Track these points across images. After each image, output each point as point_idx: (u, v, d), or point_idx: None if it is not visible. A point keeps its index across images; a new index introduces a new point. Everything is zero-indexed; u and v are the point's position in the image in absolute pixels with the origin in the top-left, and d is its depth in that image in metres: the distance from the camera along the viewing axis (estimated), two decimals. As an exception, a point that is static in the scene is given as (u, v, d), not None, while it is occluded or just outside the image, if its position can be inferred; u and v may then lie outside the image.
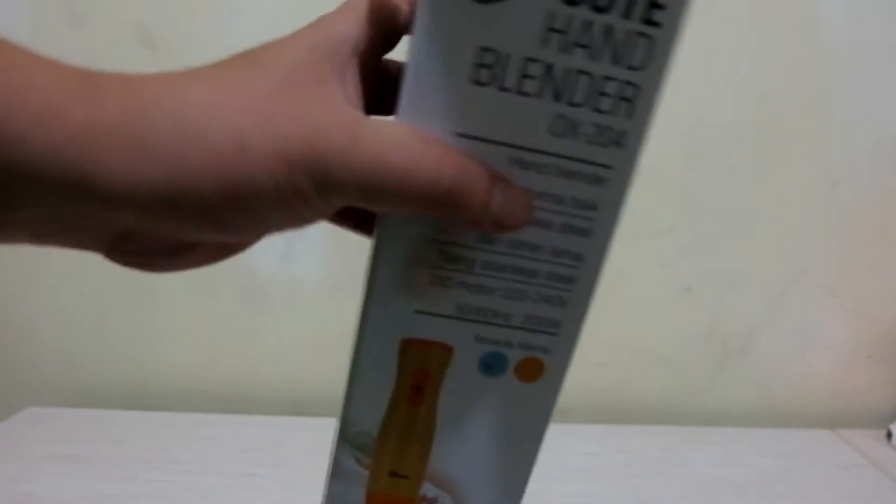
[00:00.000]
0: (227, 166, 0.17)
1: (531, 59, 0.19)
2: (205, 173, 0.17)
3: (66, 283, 0.64)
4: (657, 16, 0.19)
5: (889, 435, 0.64)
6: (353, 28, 0.20)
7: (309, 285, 0.64)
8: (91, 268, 0.63)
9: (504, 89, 0.19)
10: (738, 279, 0.65)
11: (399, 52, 0.22)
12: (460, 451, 0.24)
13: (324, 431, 0.66)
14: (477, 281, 0.21)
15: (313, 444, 0.58)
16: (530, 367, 0.24)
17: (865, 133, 0.62)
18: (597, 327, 0.73)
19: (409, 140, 0.19)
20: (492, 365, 0.23)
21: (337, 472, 0.25)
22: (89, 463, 0.52)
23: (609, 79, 0.20)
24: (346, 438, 0.24)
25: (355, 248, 0.72)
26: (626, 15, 0.19)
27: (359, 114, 0.19)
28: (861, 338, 0.67)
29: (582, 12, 0.18)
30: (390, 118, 0.20)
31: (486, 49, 0.18)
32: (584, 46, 0.19)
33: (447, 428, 0.24)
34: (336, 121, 0.18)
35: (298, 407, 0.66)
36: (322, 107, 0.18)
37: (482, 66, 0.18)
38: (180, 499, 0.49)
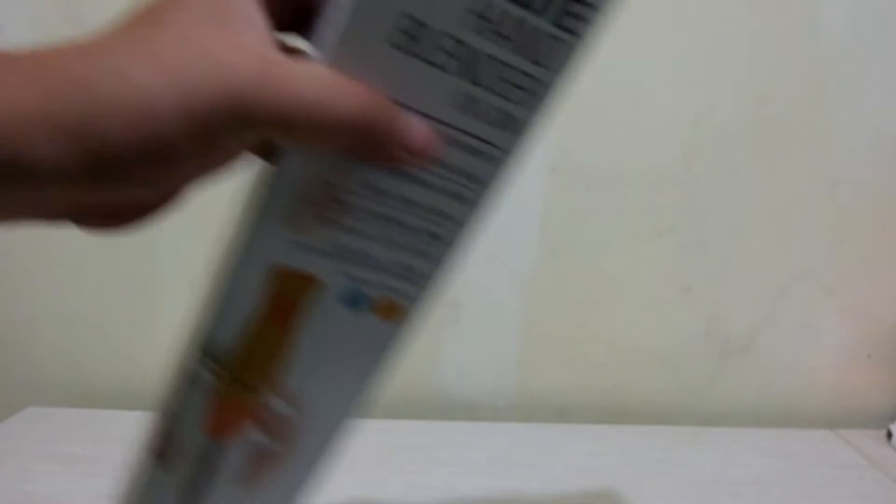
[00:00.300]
0: (140, 131, 0.18)
1: (449, 35, 0.20)
2: (122, 142, 0.18)
3: (67, 282, 0.64)
4: (572, 23, 0.21)
5: (889, 435, 0.64)
6: None
7: (309, 285, 0.64)
8: (91, 268, 0.63)
9: (417, 56, 0.20)
10: (738, 279, 0.65)
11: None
12: (312, 373, 0.26)
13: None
14: (357, 225, 0.23)
15: (313, 444, 0.58)
16: (390, 308, 0.26)
17: (865, 133, 0.62)
18: (597, 327, 0.73)
19: (324, 74, 0.20)
20: (355, 300, 0.25)
21: (185, 377, 0.26)
22: (89, 463, 0.52)
23: (516, 69, 0.21)
24: (203, 348, 0.25)
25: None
26: (542, 13, 0.20)
27: (270, 51, 0.20)
28: (861, 338, 0.67)
29: (503, 3, 0.20)
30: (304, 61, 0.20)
31: (409, 16, 0.19)
32: (500, 35, 0.20)
33: (304, 350, 0.25)
34: (246, 61, 0.19)
35: (298, 407, 0.66)
36: (229, 51, 0.19)
37: (402, 31, 0.20)
38: (180, 499, 0.49)
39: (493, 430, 0.62)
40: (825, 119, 0.62)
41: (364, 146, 0.21)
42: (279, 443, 0.28)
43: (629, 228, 0.64)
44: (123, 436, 0.60)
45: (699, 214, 0.64)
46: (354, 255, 0.24)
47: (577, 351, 0.67)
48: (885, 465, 0.59)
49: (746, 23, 0.60)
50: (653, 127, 0.61)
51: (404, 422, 0.63)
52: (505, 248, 0.64)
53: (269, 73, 0.19)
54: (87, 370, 0.66)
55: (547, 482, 0.53)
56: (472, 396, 0.68)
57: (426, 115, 0.21)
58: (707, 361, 0.68)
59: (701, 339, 0.67)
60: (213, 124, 0.19)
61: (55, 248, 0.63)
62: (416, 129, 0.21)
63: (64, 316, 0.64)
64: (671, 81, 0.61)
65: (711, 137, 0.62)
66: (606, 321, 0.66)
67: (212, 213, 0.61)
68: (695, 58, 0.60)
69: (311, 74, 0.19)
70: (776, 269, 0.65)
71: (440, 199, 0.23)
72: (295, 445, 0.28)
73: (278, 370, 0.26)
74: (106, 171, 0.18)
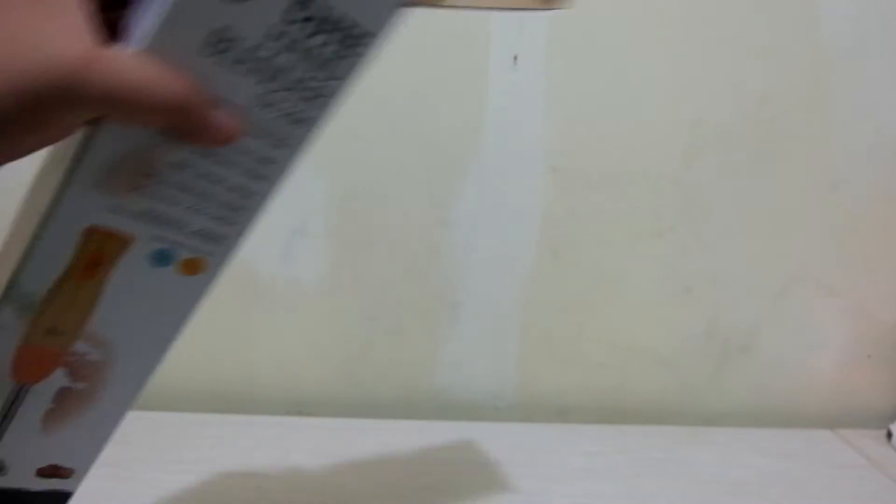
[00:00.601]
0: None
1: (254, 50, 0.24)
2: None
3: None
4: (356, 49, 0.26)
5: (889, 435, 0.64)
6: None
7: (309, 285, 0.64)
8: (91, 268, 0.63)
9: (226, 64, 0.24)
10: (737, 279, 0.65)
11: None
12: (119, 320, 0.29)
13: (324, 431, 0.67)
14: (167, 194, 0.27)
15: (313, 444, 0.58)
16: (192, 265, 0.29)
17: (865, 133, 0.62)
18: (597, 327, 0.73)
19: (147, 62, 0.23)
20: (160, 258, 0.29)
21: None
22: (89, 463, 0.52)
23: (313, 79, 0.26)
24: (12, 295, 0.27)
25: (355, 249, 0.72)
26: (342, 41, 0.25)
27: (95, 36, 0.22)
28: (861, 338, 0.67)
29: (308, 27, 0.24)
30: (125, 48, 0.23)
31: (225, 28, 0.23)
32: (301, 51, 0.25)
33: (112, 301, 0.29)
34: (73, 48, 0.21)
35: (298, 407, 0.66)
36: (57, 37, 0.21)
37: (218, 40, 0.23)
38: (180, 499, 0.49)
39: (493, 430, 0.62)
40: (825, 119, 0.62)
41: (179, 128, 0.25)
42: (85, 385, 0.30)
43: (629, 228, 0.64)
44: (123, 436, 0.60)
45: (699, 214, 0.64)
46: (164, 219, 0.27)
47: (577, 351, 0.67)
48: (885, 465, 0.59)
49: (746, 23, 0.60)
50: (653, 127, 0.61)
51: (404, 422, 0.63)
52: (505, 248, 0.64)
53: (94, 59, 0.21)
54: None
55: (547, 482, 0.53)
56: (472, 396, 0.68)
57: (233, 105, 0.25)
58: (707, 361, 0.68)
59: (701, 339, 0.67)
60: (44, 106, 0.21)
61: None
62: (224, 118, 0.25)
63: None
64: (671, 81, 0.61)
65: (711, 137, 0.62)
66: (606, 321, 0.66)
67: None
68: (695, 58, 0.60)
69: (134, 62, 0.22)
70: (776, 269, 0.65)
71: (241, 176, 0.28)
72: (101, 388, 0.31)
73: (86, 319, 0.29)
74: None
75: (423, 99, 0.60)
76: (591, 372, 0.67)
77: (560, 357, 0.67)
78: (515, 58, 0.59)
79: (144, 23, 0.23)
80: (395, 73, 0.59)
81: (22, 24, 0.21)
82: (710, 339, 0.67)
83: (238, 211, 0.29)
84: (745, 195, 0.63)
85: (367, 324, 0.65)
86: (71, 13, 0.22)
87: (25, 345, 0.28)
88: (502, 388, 0.68)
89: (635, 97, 0.61)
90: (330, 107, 0.27)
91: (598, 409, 0.68)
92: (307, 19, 0.24)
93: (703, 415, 0.68)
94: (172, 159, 0.26)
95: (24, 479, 0.32)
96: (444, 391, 0.67)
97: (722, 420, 0.68)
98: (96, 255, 0.27)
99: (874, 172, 0.63)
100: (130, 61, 0.22)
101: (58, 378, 0.29)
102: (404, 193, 0.62)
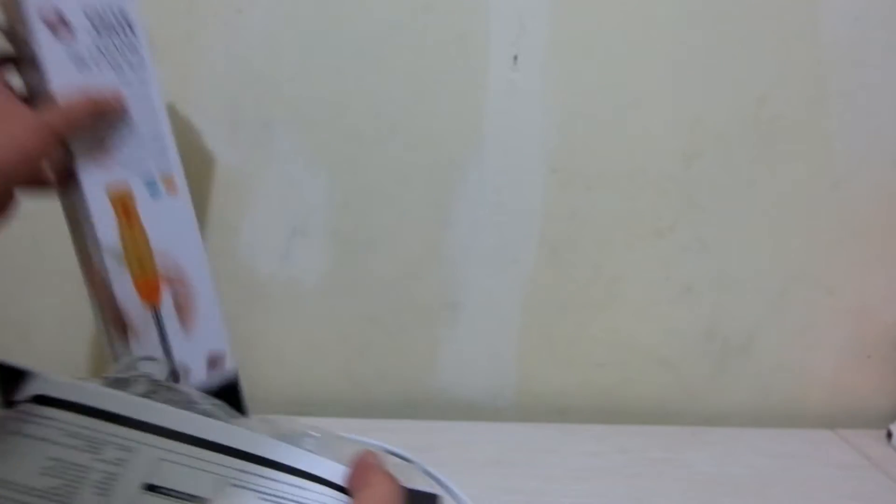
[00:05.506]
0: None
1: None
2: None
3: (66, 283, 0.63)
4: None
5: (889, 435, 0.64)
6: None
7: (309, 285, 0.64)
8: (91, 268, 0.63)
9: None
10: (738, 279, 0.65)
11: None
12: (165, 241, 0.43)
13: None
14: (119, 151, 0.42)
15: (313, 444, 0.58)
16: (169, 183, 0.43)
17: (865, 133, 0.62)
18: (597, 327, 0.73)
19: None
20: (151, 187, 0.43)
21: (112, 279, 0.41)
22: (89, 463, 0.52)
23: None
24: (104, 250, 0.41)
25: (355, 249, 0.71)
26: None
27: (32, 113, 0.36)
28: (861, 338, 0.67)
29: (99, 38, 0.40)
30: None
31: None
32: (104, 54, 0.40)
33: (152, 233, 0.42)
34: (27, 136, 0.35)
35: (298, 407, 0.66)
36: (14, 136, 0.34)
37: None
38: (180, 499, 0.49)
39: (493, 430, 0.62)
40: (825, 119, 0.62)
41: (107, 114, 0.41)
42: (181, 289, 0.44)
43: (629, 228, 0.64)
44: (123, 436, 0.60)
45: (699, 214, 0.64)
46: (128, 162, 0.41)
47: (577, 351, 0.67)
48: (885, 465, 0.59)
49: (746, 23, 0.60)
50: (653, 127, 0.61)
51: (404, 422, 0.63)
52: (505, 248, 0.64)
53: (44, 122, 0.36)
54: (87, 371, 0.66)
55: (547, 482, 0.53)
56: (472, 396, 0.68)
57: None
58: (707, 361, 0.68)
59: (701, 339, 0.67)
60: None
61: (54, 247, 0.63)
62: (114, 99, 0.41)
63: (63, 317, 0.64)
64: (671, 81, 0.61)
65: (711, 137, 0.62)
66: (606, 321, 0.66)
67: (209, 213, 0.61)
68: (695, 58, 0.60)
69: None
70: (776, 268, 0.65)
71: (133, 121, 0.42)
72: (189, 285, 0.44)
73: (150, 250, 0.42)
74: None
75: (423, 99, 0.60)
76: (591, 372, 0.67)
77: (560, 357, 0.67)
78: (515, 58, 0.59)
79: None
80: (395, 73, 0.59)
81: None
82: (710, 339, 0.67)
83: (149, 141, 0.42)
84: (745, 195, 0.63)
85: (367, 324, 0.65)
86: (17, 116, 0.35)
87: (137, 280, 0.42)
88: (502, 388, 0.68)
89: (635, 97, 0.61)
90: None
91: (598, 409, 0.68)
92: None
93: (703, 415, 0.68)
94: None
95: (201, 373, 0.45)
96: (444, 391, 0.67)
97: (722, 420, 0.68)
98: (124, 205, 0.41)
99: (874, 172, 0.63)
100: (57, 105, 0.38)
101: (167, 295, 0.43)
102: (404, 193, 0.62)
